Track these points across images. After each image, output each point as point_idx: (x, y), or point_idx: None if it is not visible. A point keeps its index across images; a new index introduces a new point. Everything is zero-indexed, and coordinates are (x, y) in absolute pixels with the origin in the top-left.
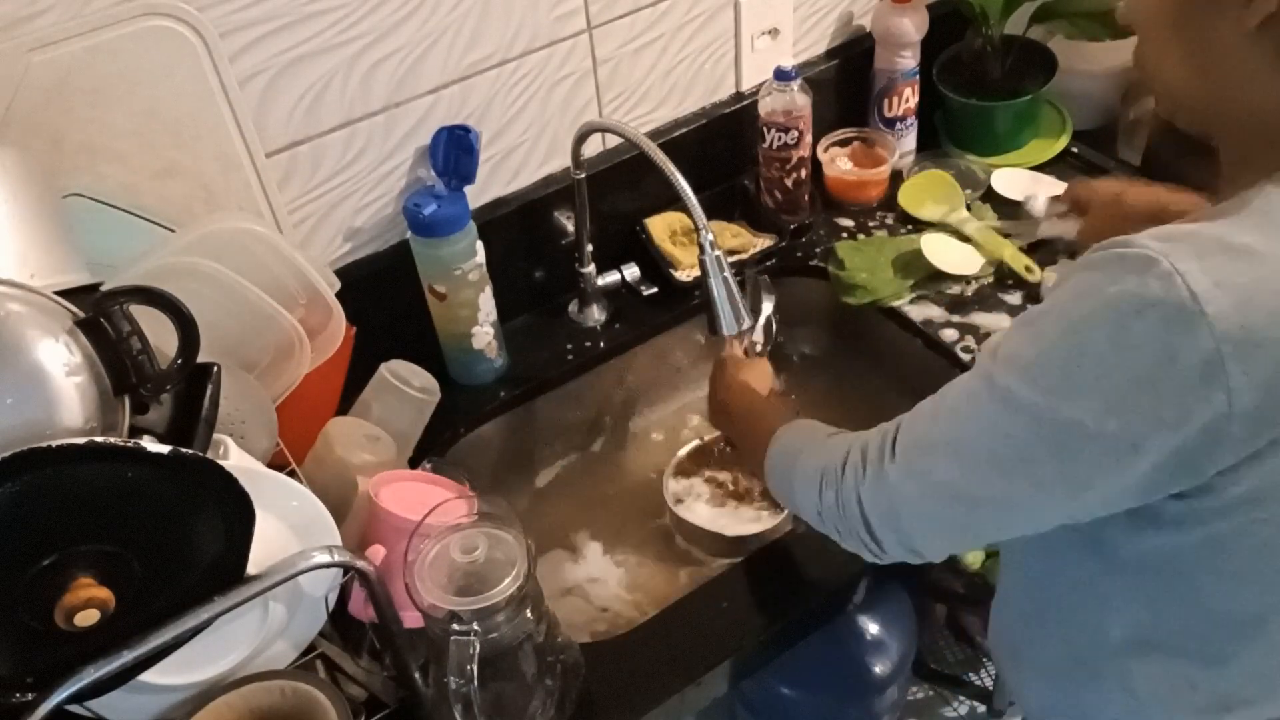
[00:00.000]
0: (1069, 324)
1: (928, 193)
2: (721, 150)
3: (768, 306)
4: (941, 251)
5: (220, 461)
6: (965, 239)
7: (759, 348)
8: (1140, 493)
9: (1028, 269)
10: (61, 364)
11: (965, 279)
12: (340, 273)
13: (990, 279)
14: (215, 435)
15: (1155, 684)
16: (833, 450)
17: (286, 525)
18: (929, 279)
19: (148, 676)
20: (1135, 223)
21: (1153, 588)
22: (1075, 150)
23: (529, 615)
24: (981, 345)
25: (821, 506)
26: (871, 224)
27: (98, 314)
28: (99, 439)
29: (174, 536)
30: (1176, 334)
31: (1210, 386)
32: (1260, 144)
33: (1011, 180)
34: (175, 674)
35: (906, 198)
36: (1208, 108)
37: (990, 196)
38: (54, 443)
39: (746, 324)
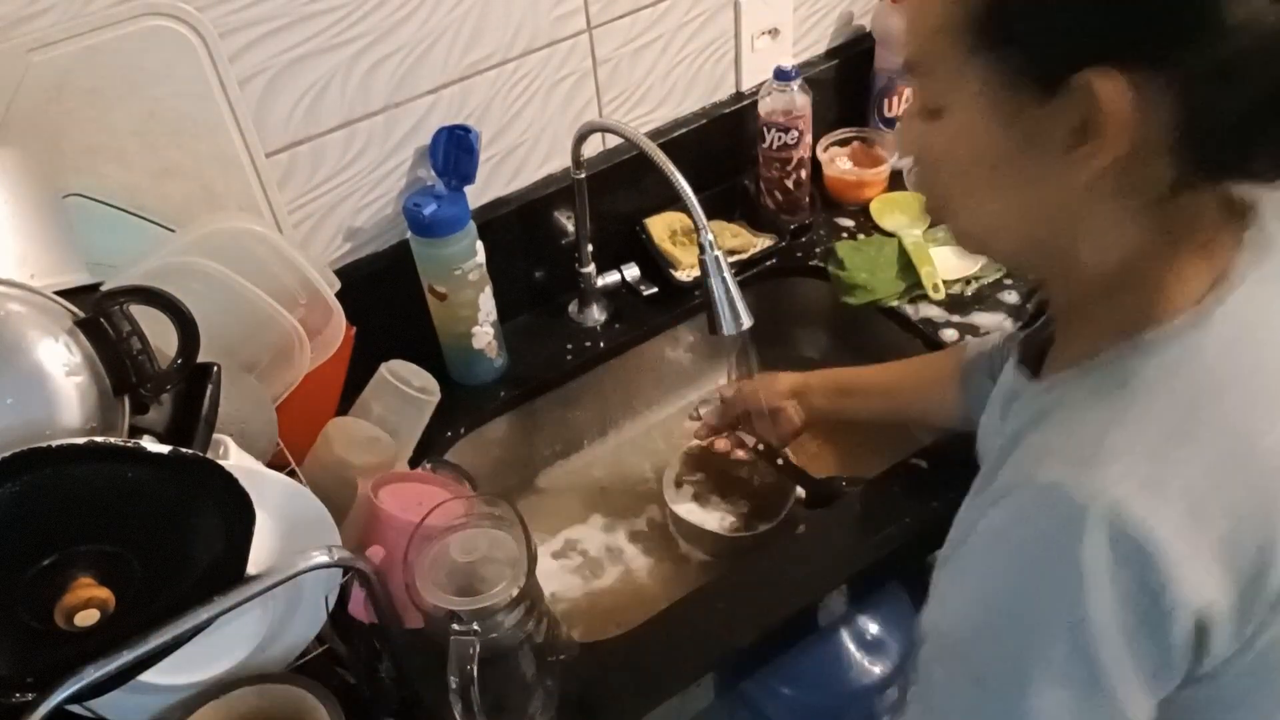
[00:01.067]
0: (1010, 606)
1: (897, 205)
2: (721, 150)
3: None
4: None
5: (220, 461)
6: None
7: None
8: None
9: (935, 287)
10: (61, 364)
11: (966, 280)
12: (340, 273)
13: (990, 279)
14: (215, 435)
15: None
16: None
17: (286, 525)
18: (936, 281)
19: (148, 676)
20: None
21: None
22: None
23: (529, 615)
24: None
25: None
26: (871, 224)
27: (98, 314)
28: (99, 439)
29: (174, 536)
30: (1159, 595)
31: (1197, 638)
32: (1102, 291)
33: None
34: (175, 674)
35: (878, 206)
36: (1036, 258)
37: None
38: (54, 443)
39: (747, 324)
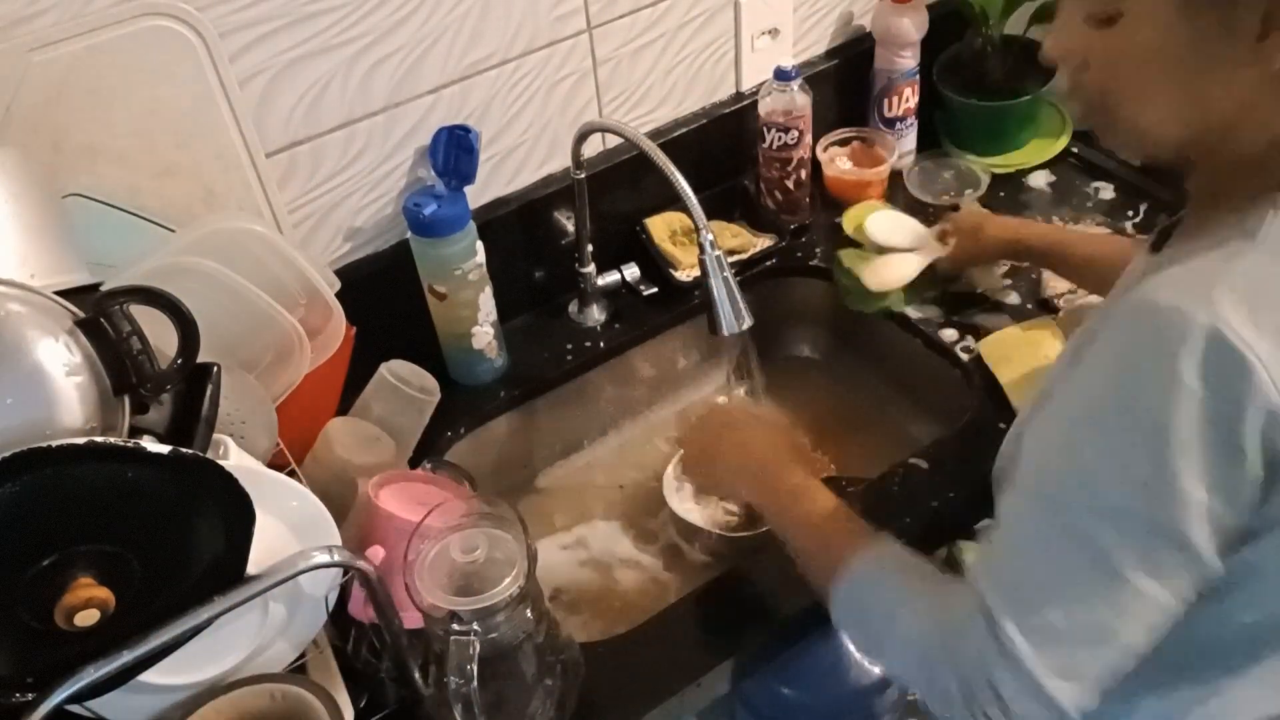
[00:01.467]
0: (1134, 416)
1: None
2: (721, 150)
3: None
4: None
5: (220, 461)
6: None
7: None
8: (1236, 529)
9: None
10: (61, 364)
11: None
12: (340, 273)
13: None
14: (215, 435)
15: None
16: (944, 612)
17: (286, 525)
18: (937, 283)
19: (148, 676)
20: (991, 253)
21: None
22: (1075, 150)
23: (529, 615)
24: (1017, 441)
25: (932, 692)
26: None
27: (98, 314)
28: (99, 439)
29: (174, 536)
30: (1243, 397)
31: (1274, 439)
32: (1244, 175)
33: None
34: (175, 674)
35: (848, 217)
36: (1197, 145)
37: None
38: (54, 443)
39: (747, 324)
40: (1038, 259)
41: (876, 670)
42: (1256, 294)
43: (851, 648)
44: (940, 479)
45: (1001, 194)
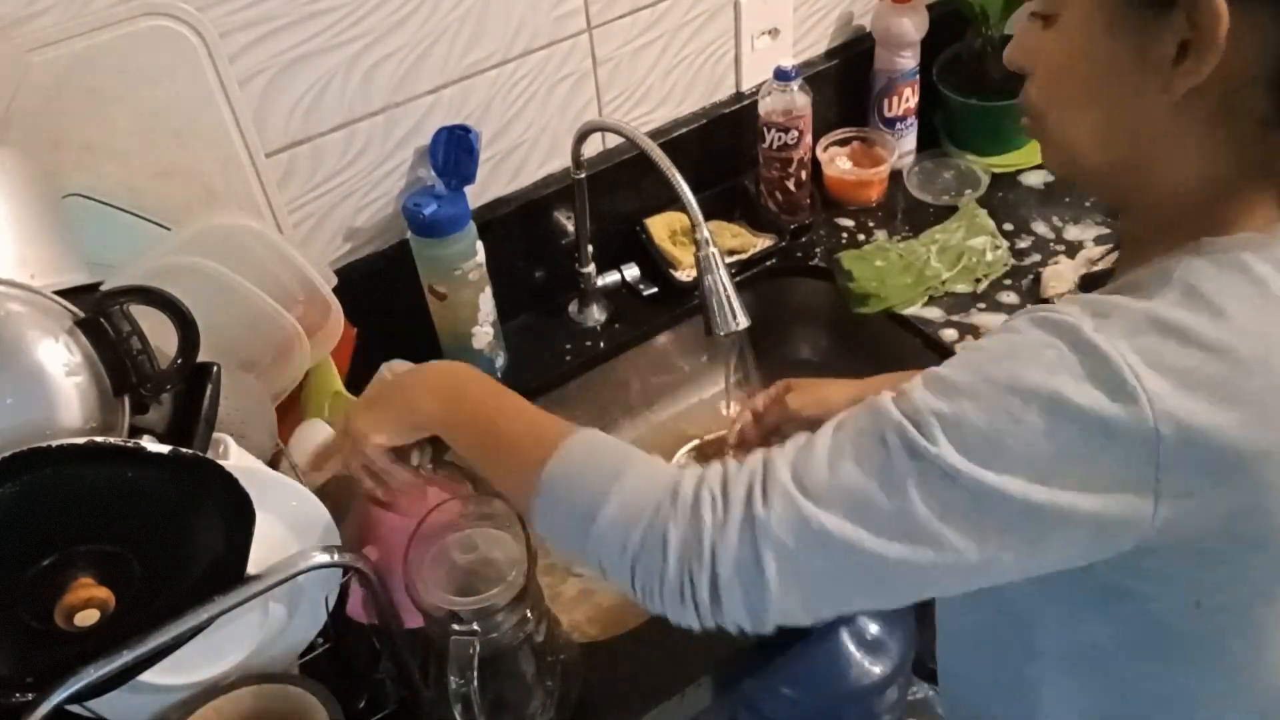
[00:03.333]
0: (1002, 388)
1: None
2: (721, 150)
3: None
4: None
5: (220, 461)
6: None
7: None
8: (1056, 559)
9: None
10: (61, 364)
11: (975, 281)
12: (340, 273)
13: (990, 280)
14: (215, 435)
15: None
16: (668, 478)
17: (286, 525)
18: (941, 284)
19: (147, 676)
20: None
21: (1085, 676)
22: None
23: (529, 615)
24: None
25: (631, 546)
26: (871, 224)
27: (98, 314)
28: (99, 439)
29: (174, 536)
30: (1115, 410)
31: (1146, 465)
32: (1174, 215)
33: None
34: (175, 674)
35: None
36: (1119, 176)
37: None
38: (54, 443)
39: (743, 324)
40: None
41: (876, 670)
42: (1157, 336)
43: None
44: None
45: (1000, 194)
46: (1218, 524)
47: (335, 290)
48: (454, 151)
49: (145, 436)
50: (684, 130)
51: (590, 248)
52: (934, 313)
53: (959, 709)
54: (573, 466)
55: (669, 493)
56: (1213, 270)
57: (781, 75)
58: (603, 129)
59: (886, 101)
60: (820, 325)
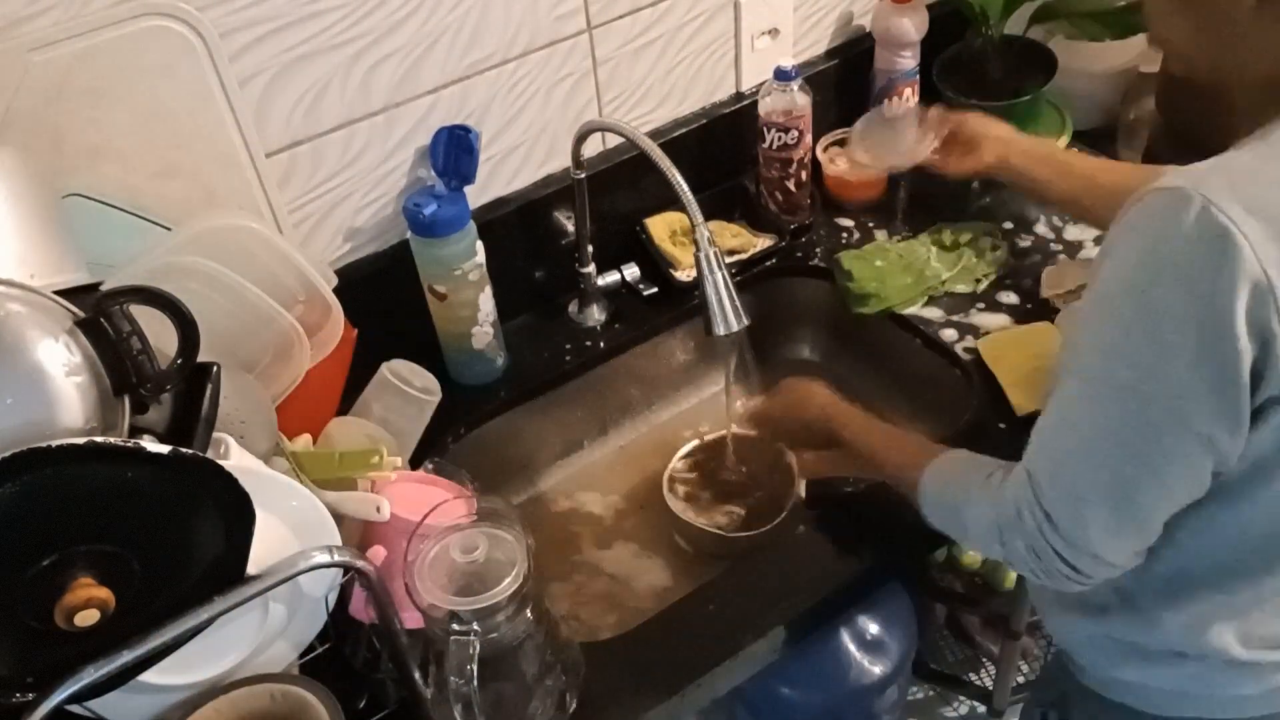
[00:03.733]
0: (1136, 293)
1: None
2: (721, 150)
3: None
4: None
5: (220, 461)
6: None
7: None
8: (1238, 426)
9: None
10: (61, 364)
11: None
12: (340, 273)
13: (991, 280)
14: (215, 435)
15: (1191, 627)
16: (998, 502)
17: (286, 525)
18: (941, 284)
19: (148, 676)
20: (982, 170)
21: (1194, 519)
22: (1075, 150)
23: (529, 615)
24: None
25: (1009, 554)
26: (871, 224)
27: (98, 314)
28: (99, 439)
29: (174, 536)
30: (1226, 270)
31: (1263, 306)
32: (1272, 102)
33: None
34: (175, 674)
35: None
36: (1218, 69)
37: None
38: (54, 443)
39: (743, 325)
40: (1027, 186)
41: (876, 670)
42: (1250, 179)
43: (852, 646)
44: None
45: (1000, 194)
46: None
47: (335, 290)
48: (454, 151)
49: (145, 436)
50: (684, 130)
51: (590, 248)
52: (934, 313)
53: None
54: (933, 501)
55: (1010, 518)
56: None
57: (781, 75)
58: (603, 129)
59: (887, 101)
60: (820, 325)
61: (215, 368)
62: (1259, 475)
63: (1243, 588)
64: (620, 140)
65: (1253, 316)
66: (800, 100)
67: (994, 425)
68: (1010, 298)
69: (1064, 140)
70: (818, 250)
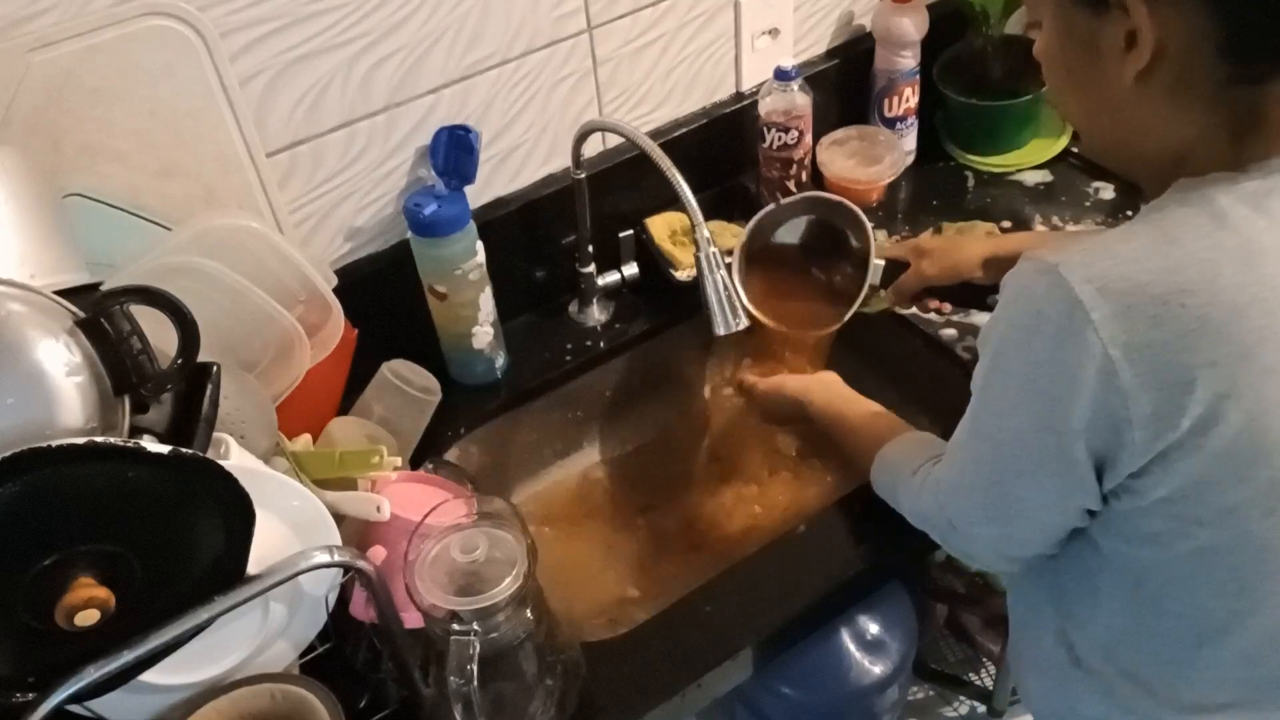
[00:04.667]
0: (994, 348)
1: None
2: (722, 150)
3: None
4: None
5: (220, 461)
6: None
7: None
8: (1086, 495)
9: None
10: (61, 364)
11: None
12: (340, 272)
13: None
14: (215, 435)
15: (1121, 681)
16: (918, 498)
17: (287, 525)
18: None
19: (148, 676)
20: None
21: (1130, 589)
22: (1075, 150)
23: (529, 615)
24: None
25: (936, 535)
26: (871, 224)
27: (98, 314)
28: (99, 439)
29: (174, 536)
30: (1069, 343)
31: (1106, 389)
32: (1158, 179)
33: None
34: (175, 674)
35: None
36: (1115, 149)
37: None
38: (54, 443)
39: (742, 324)
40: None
41: (876, 670)
42: (1111, 258)
43: (852, 646)
44: None
45: (1000, 193)
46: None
47: (335, 290)
48: (454, 151)
49: (145, 436)
50: (684, 130)
51: (590, 248)
52: (934, 314)
53: (1016, 625)
54: (879, 486)
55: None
56: (1176, 206)
57: (782, 75)
58: (603, 129)
59: (887, 101)
60: None
61: (215, 368)
62: (1160, 557)
63: (1172, 661)
64: (620, 140)
65: (1095, 392)
66: (800, 100)
67: None
68: None
69: (1064, 140)
70: None
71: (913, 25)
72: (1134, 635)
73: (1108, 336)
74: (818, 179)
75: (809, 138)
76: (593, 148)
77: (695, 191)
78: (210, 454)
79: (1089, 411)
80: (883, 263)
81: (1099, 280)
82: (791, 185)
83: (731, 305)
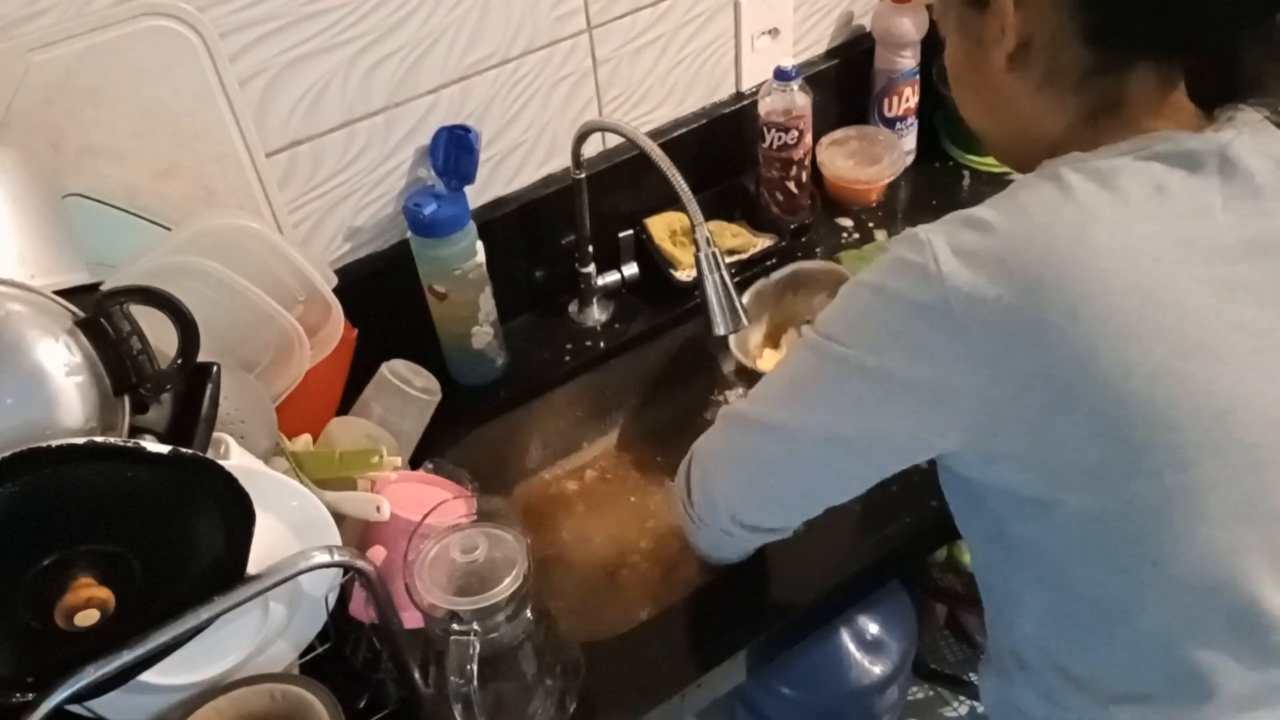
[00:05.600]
0: (860, 287)
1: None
2: (721, 150)
3: None
4: None
5: (220, 461)
6: None
7: None
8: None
9: None
10: (61, 364)
11: None
12: (340, 272)
13: None
14: (215, 435)
15: (1054, 677)
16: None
17: (286, 525)
18: None
19: (148, 676)
20: None
21: (1037, 577)
22: None
23: (529, 615)
24: None
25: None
26: (871, 224)
27: (98, 314)
28: (99, 439)
29: (174, 536)
30: (921, 290)
31: (947, 333)
32: (1030, 154)
33: None
34: (175, 674)
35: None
36: (1010, 145)
37: None
38: (54, 443)
39: (742, 324)
40: None
41: (876, 670)
42: (964, 222)
43: (852, 646)
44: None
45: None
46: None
47: (335, 290)
48: (454, 151)
49: (145, 436)
50: (684, 130)
51: (590, 248)
52: None
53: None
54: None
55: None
56: (1032, 179)
57: (782, 75)
58: (603, 129)
59: (887, 101)
60: None
61: (215, 368)
62: (1059, 533)
63: (1083, 646)
64: (620, 140)
65: (939, 343)
66: (800, 100)
67: None
68: None
69: None
70: (818, 250)
71: (913, 25)
72: (1056, 624)
73: (951, 288)
74: (818, 179)
75: (809, 138)
76: (592, 148)
77: (695, 191)
78: (210, 454)
79: (931, 351)
80: None
81: (954, 243)
82: (791, 185)
83: (731, 305)
